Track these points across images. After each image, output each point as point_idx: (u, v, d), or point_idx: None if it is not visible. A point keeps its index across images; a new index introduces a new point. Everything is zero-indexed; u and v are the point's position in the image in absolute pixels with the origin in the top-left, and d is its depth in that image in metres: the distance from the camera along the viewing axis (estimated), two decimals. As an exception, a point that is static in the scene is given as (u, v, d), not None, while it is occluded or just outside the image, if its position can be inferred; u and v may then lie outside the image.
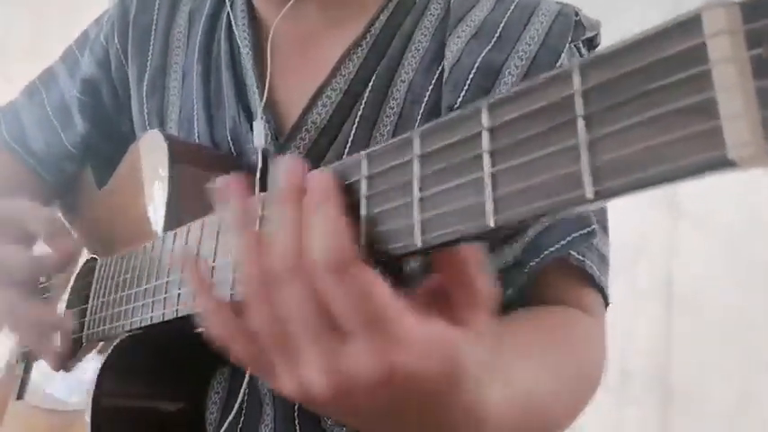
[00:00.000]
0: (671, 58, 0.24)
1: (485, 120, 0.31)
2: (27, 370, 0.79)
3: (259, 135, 0.65)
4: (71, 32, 0.90)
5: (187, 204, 0.61)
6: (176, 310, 0.52)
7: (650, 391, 1.70)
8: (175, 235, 0.54)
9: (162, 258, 0.55)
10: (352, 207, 0.36)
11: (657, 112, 0.24)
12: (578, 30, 0.65)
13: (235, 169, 0.66)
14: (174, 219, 0.60)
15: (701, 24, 0.23)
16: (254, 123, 0.66)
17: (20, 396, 0.78)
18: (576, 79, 0.27)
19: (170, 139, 0.64)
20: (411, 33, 0.66)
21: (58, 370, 0.68)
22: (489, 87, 0.62)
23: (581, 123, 0.27)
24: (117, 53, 0.79)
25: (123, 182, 0.72)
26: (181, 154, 0.64)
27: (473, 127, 0.31)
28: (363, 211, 0.36)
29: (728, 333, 1.60)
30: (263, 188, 0.62)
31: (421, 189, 0.33)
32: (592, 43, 0.68)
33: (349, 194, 0.37)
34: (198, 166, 0.65)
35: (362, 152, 0.37)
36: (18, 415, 0.78)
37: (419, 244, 0.33)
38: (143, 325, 0.57)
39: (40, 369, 0.77)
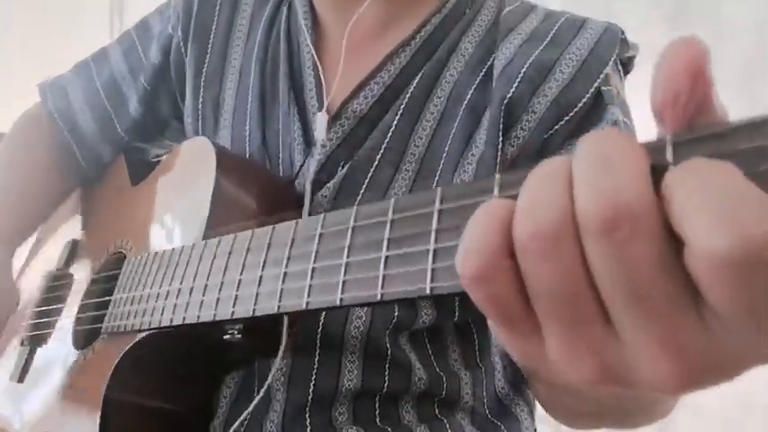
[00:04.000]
0: (761, 148, 0.28)
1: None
2: (31, 353, 0.79)
3: (321, 128, 0.69)
4: (71, 32, 0.92)
5: (228, 215, 0.64)
6: (214, 314, 0.54)
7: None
8: (220, 241, 0.56)
9: (202, 262, 0.57)
10: None
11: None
12: (623, 46, 0.70)
13: (279, 184, 0.69)
14: (214, 228, 0.62)
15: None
16: (317, 116, 0.70)
17: (20, 379, 0.78)
18: (669, 151, 0.30)
19: (218, 149, 0.67)
20: (458, 41, 0.71)
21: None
22: (540, 82, 0.66)
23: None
24: (178, 43, 0.83)
25: (164, 182, 0.74)
26: (227, 165, 0.66)
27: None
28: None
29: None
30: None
31: None
32: (626, 68, 0.72)
33: None
34: (242, 179, 0.67)
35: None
36: (7, 399, 0.78)
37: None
38: (168, 324, 0.58)
39: (44, 356, 0.78)
